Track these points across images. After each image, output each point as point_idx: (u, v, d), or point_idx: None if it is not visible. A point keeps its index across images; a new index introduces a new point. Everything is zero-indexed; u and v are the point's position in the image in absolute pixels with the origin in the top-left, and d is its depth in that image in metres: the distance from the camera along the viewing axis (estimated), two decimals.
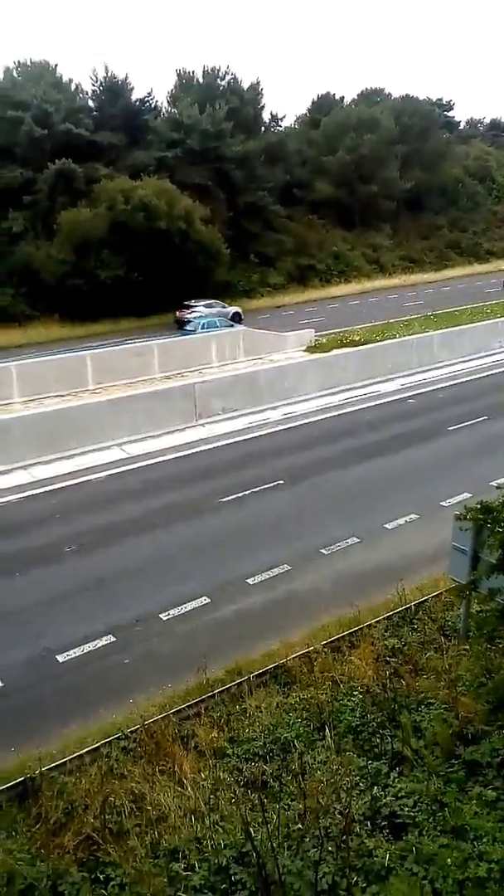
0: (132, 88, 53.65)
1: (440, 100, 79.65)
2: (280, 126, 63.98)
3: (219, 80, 57.42)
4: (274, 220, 56.33)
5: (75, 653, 11.77)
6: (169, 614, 12.78)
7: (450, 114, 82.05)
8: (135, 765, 9.04)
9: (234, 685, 10.44)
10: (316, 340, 34.83)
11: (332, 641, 11.35)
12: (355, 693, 10.05)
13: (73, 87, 52.05)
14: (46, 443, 20.63)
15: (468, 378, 28.60)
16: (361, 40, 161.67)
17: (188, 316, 39.32)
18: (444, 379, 28.34)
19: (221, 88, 56.85)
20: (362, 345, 32.04)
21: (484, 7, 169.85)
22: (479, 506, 10.12)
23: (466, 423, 22.46)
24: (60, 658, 11.65)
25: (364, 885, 6.97)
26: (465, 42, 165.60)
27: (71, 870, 7.44)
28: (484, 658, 10.29)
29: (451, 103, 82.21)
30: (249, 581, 13.76)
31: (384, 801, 7.98)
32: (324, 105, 68.30)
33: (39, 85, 48.51)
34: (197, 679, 10.62)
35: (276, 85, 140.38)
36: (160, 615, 12.75)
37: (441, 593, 12.45)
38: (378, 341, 32.73)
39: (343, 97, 70.38)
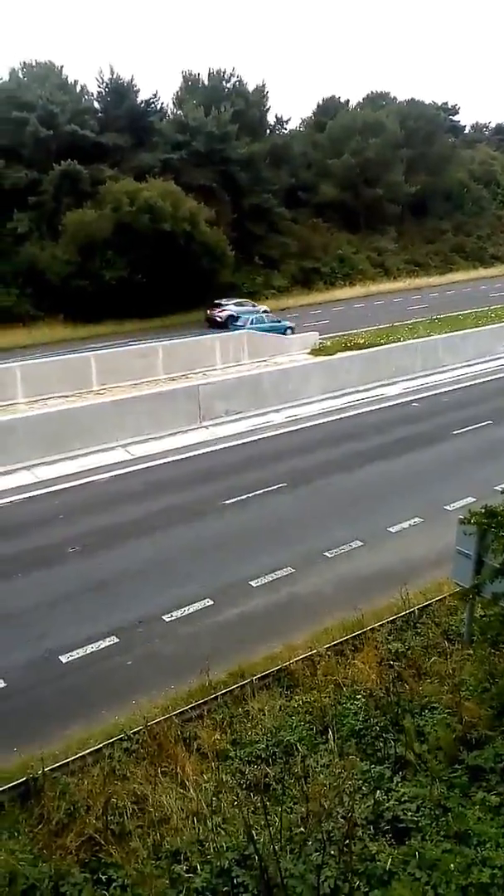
0: (138, 90, 53.77)
1: (445, 104, 79.66)
2: (285, 129, 64.01)
3: (224, 82, 57.51)
4: (279, 222, 56.37)
5: (78, 654, 11.75)
6: (171, 616, 12.77)
7: (455, 118, 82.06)
8: (137, 766, 9.02)
9: (236, 687, 10.41)
10: (320, 343, 34.80)
11: (335, 645, 11.31)
12: (358, 697, 10.02)
13: (78, 88, 52.18)
14: (50, 443, 20.62)
15: (472, 382, 28.57)
16: (367, 44, 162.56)
17: (227, 313, 40.54)
18: (448, 383, 28.30)
19: (227, 91, 56.92)
20: (366, 348, 31.95)
21: (490, 12, 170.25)
22: (483, 510, 10.14)
23: (470, 428, 22.43)
24: (63, 659, 11.64)
25: (366, 889, 6.94)
26: (470, 46, 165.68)
27: (73, 871, 7.42)
28: (488, 663, 10.25)
29: (457, 107, 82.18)
30: (252, 583, 13.74)
31: (387, 805, 7.95)
32: (329, 108, 68.35)
33: (45, 86, 48.62)
34: (199, 681, 10.60)
35: (282, 88, 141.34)
36: (163, 617, 12.74)
37: (445, 597, 12.41)
38: (382, 345, 32.66)
39: (348, 100, 70.70)
